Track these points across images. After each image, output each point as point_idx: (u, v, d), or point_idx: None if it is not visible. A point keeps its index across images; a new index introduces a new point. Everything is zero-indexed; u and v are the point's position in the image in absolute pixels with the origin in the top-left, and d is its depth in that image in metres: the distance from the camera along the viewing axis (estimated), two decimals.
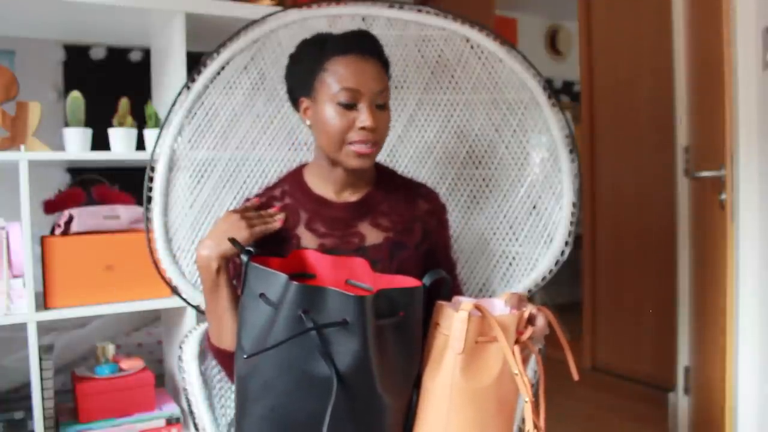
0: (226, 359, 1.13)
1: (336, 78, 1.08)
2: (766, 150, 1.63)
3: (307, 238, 1.16)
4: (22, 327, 1.61)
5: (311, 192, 1.19)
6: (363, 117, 1.07)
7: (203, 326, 1.36)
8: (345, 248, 1.15)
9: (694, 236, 2.20)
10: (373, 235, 1.17)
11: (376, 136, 1.09)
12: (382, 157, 1.50)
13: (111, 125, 1.79)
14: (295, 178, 1.22)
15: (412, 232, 1.19)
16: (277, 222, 1.15)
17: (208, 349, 1.19)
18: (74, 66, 2.51)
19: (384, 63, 1.14)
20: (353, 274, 1.09)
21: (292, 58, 1.18)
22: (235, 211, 1.13)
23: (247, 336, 0.98)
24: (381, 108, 1.10)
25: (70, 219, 1.71)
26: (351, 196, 1.19)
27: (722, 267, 1.75)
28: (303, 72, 1.14)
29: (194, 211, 1.43)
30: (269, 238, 1.16)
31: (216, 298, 1.10)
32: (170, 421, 1.79)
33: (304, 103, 1.14)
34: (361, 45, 1.11)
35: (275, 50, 1.49)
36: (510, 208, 1.48)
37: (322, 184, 1.18)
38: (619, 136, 2.94)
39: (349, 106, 1.08)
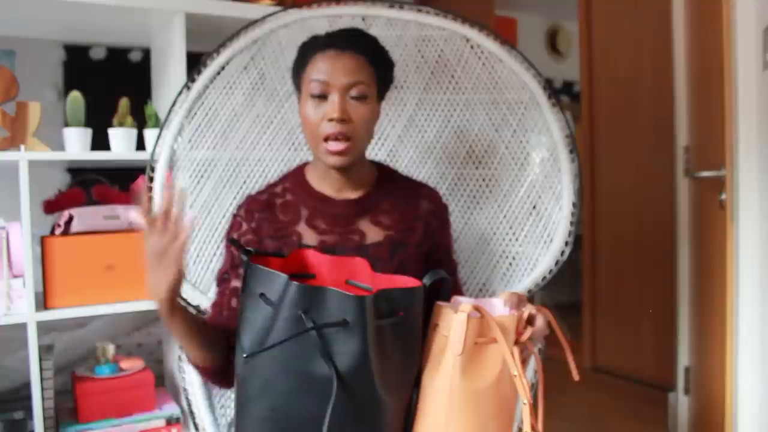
0: (207, 375, 1.14)
1: (312, 72, 1.10)
2: (766, 150, 1.63)
3: (308, 235, 1.16)
4: (22, 327, 1.61)
5: (312, 189, 1.18)
6: (331, 108, 1.07)
7: None
8: (345, 245, 1.15)
9: (694, 236, 2.20)
10: (373, 233, 1.17)
11: (348, 128, 1.07)
12: (382, 157, 1.50)
13: (111, 125, 1.79)
14: (296, 176, 1.22)
15: (413, 232, 1.19)
16: (184, 227, 0.95)
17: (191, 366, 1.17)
18: (74, 66, 2.50)
19: (370, 57, 1.12)
20: (353, 274, 1.09)
21: (294, 60, 1.19)
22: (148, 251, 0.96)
23: (248, 336, 0.98)
24: (358, 100, 1.09)
25: (70, 219, 1.71)
26: (352, 194, 1.18)
27: (722, 267, 1.75)
28: (294, 72, 1.17)
29: (194, 211, 1.43)
30: (270, 234, 1.16)
31: (172, 327, 1.05)
32: (170, 421, 1.79)
33: (298, 102, 1.16)
34: (342, 40, 1.11)
35: (275, 50, 1.49)
36: (510, 208, 1.48)
37: (323, 182, 1.18)
38: (619, 136, 2.94)
39: (321, 98, 1.08)
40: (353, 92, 1.08)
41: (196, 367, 1.13)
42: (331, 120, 1.07)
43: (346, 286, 1.08)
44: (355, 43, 1.12)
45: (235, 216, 1.21)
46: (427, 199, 1.23)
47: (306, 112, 1.10)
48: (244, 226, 1.18)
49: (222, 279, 1.20)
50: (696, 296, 2.17)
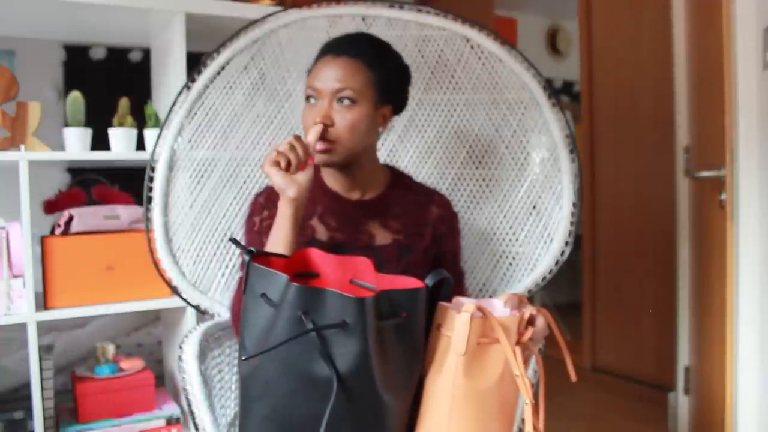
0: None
1: (310, 78, 1.15)
2: (766, 150, 1.63)
3: (320, 230, 1.19)
4: (22, 327, 1.61)
5: (327, 188, 1.22)
6: (315, 113, 1.11)
7: (203, 326, 1.36)
8: (354, 244, 1.17)
9: (694, 236, 2.20)
10: (381, 236, 1.19)
11: (330, 132, 1.11)
12: (382, 157, 1.50)
13: (111, 125, 1.79)
14: (313, 174, 1.24)
15: (422, 237, 1.21)
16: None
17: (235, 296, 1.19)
18: (74, 66, 2.51)
19: (368, 61, 1.14)
20: (357, 274, 1.09)
21: None
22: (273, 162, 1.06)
23: (250, 336, 0.98)
24: (344, 105, 1.11)
25: (70, 219, 1.71)
26: (363, 195, 1.21)
27: (722, 267, 1.75)
28: (305, 78, 1.20)
29: (194, 211, 1.43)
30: None
31: (282, 226, 1.09)
32: (170, 421, 1.79)
33: None
34: (340, 45, 1.15)
35: (275, 50, 1.49)
36: (510, 208, 1.48)
37: (334, 181, 1.22)
38: (619, 136, 2.94)
39: (313, 102, 1.13)
40: (339, 96, 1.11)
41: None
42: (316, 123, 1.10)
43: (350, 285, 1.08)
44: (353, 47, 1.14)
45: (254, 203, 1.24)
46: (438, 205, 1.26)
47: (303, 115, 1.15)
48: (266, 212, 1.21)
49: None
50: (696, 296, 2.17)
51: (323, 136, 1.11)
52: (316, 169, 1.25)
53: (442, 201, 1.27)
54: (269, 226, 1.18)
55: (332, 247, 1.16)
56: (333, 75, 1.11)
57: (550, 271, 1.43)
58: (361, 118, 1.12)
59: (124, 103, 1.81)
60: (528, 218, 1.47)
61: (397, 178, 1.27)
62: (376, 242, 1.19)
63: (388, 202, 1.22)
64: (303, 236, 1.18)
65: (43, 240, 1.67)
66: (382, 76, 1.15)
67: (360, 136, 1.14)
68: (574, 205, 1.43)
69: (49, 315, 1.64)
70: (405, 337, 0.99)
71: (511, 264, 1.47)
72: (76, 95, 1.76)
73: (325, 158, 1.13)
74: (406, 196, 1.24)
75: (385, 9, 1.50)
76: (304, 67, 1.25)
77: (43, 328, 1.81)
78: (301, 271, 1.08)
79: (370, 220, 1.20)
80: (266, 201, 1.23)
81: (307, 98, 1.14)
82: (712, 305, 1.91)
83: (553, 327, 1.05)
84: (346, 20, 1.49)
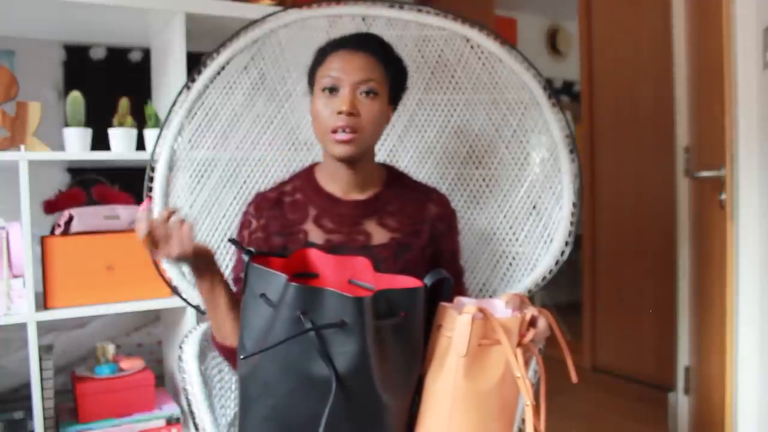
0: (230, 355, 1.16)
1: (325, 69, 1.13)
2: (766, 150, 1.63)
3: (315, 233, 1.17)
4: (22, 327, 1.61)
5: (321, 189, 1.20)
6: (340, 101, 1.09)
7: (203, 326, 1.36)
8: (351, 245, 1.16)
9: (694, 236, 2.20)
10: (379, 235, 1.18)
11: (356, 122, 1.09)
12: (382, 157, 1.50)
13: (111, 125, 1.79)
14: (306, 175, 1.24)
15: (420, 235, 1.20)
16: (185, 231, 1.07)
17: (212, 343, 1.21)
18: (74, 66, 2.50)
19: (383, 59, 1.15)
20: (356, 274, 1.09)
21: (311, 63, 1.22)
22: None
23: (249, 336, 0.98)
24: (367, 97, 1.10)
25: (70, 219, 1.71)
26: (359, 195, 1.20)
27: (722, 267, 1.75)
28: (309, 73, 1.20)
29: (194, 211, 1.43)
30: (277, 230, 1.17)
31: (213, 300, 1.12)
32: (170, 421, 1.79)
33: (311, 99, 1.18)
34: (356, 41, 1.16)
35: (275, 50, 1.49)
36: (510, 208, 1.48)
37: (332, 182, 1.20)
38: (619, 136, 2.94)
39: (333, 92, 1.11)
40: (363, 88, 1.10)
41: (222, 347, 1.16)
42: (339, 113, 1.09)
43: (348, 285, 1.08)
44: (369, 44, 1.15)
45: (245, 213, 1.23)
46: (436, 203, 1.24)
47: (317, 106, 1.12)
48: (254, 224, 1.20)
49: (238, 278, 1.21)
50: (696, 296, 2.17)
51: (348, 126, 1.09)
52: (311, 170, 1.25)
53: (439, 199, 1.26)
54: (257, 240, 1.19)
55: (329, 250, 1.14)
56: (355, 66, 1.10)
57: (550, 271, 1.43)
58: (381, 111, 1.13)
59: (124, 103, 1.82)
60: (528, 218, 1.47)
61: (394, 177, 1.25)
62: (373, 242, 1.17)
63: (385, 200, 1.20)
64: (295, 241, 1.16)
65: (43, 240, 1.67)
66: (393, 74, 1.17)
67: (378, 130, 1.14)
68: (574, 205, 1.43)
69: (49, 315, 1.64)
70: (403, 337, 0.99)
71: (511, 264, 1.47)
72: (76, 95, 1.76)
73: (347, 149, 1.10)
74: (403, 194, 1.22)
75: (385, 9, 1.50)
76: (304, 67, 1.25)
77: (43, 328, 1.81)
78: (299, 272, 1.08)
79: (366, 220, 1.18)
80: (256, 210, 1.21)
81: (323, 88, 1.11)
82: (712, 305, 1.91)
83: (554, 328, 1.05)
84: (346, 20, 1.49)
